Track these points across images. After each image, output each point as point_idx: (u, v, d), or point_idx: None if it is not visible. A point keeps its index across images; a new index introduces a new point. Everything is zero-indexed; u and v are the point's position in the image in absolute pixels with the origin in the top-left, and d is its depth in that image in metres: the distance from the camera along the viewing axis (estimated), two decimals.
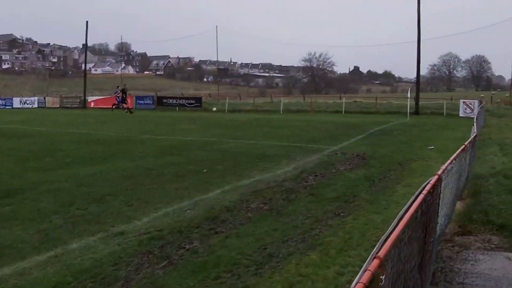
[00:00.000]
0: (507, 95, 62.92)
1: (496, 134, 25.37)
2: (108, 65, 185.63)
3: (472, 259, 7.42)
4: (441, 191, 5.89)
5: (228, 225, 9.45)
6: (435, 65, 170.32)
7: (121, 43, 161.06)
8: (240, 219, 9.88)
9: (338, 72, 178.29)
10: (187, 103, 57.40)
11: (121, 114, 45.57)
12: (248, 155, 18.53)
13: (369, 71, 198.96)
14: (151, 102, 59.70)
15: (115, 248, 8.21)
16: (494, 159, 16.77)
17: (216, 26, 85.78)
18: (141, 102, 59.48)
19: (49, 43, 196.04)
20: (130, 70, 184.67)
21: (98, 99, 64.39)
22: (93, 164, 16.67)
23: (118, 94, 52.50)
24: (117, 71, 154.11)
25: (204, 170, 15.34)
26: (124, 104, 50.66)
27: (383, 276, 2.79)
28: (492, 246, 8.09)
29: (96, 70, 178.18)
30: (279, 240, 8.49)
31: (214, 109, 53.31)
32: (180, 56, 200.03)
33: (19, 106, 68.24)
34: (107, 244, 8.39)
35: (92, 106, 61.89)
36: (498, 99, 59.50)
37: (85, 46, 79.89)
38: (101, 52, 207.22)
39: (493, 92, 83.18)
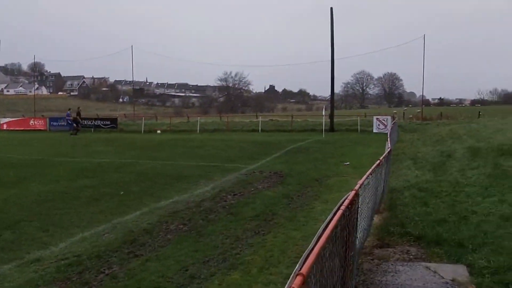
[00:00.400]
0: (418, 110, 65.25)
1: (409, 148, 26.17)
2: (21, 86, 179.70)
3: (392, 270, 7.56)
4: (359, 206, 5.98)
5: (147, 248, 9.29)
6: (348, 83, 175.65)
7: (34, 63, 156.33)
8: (160, 241, 9.73)
9: (254, 91, 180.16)
10: (102, 124, 56.23)
11: (34, 137, 44.04)
12: (165, 176, 18.33)
13: (284, 90, 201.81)
14: (65, 124, 58.09)
15: (32, 275, 7.94)
16: (408, 172, 17.27)
17: (132, 46, 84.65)
18: (55, 123, 57.68)
19: None
20: (44, 90, 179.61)
21: (10, 121, 61.85)
22: (5, 188, 16.03)
23: (70, 117, 51.54)
24: (30, 91, 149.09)
25: (121, 193, 15.06)
26: (77, 126, 49.42)
27: None
28: (411, 257, 8.28)
29: (8, 91, 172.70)
30: (200, 261, 8.40)
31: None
32: (95, 76, 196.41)
33: None
34: (23, 272, 8.09)
35: (4, 128, 59.49)
36: (410, 115, 61.66)
37: None
38: (13, 72, 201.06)
39: (405, 108, 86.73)
